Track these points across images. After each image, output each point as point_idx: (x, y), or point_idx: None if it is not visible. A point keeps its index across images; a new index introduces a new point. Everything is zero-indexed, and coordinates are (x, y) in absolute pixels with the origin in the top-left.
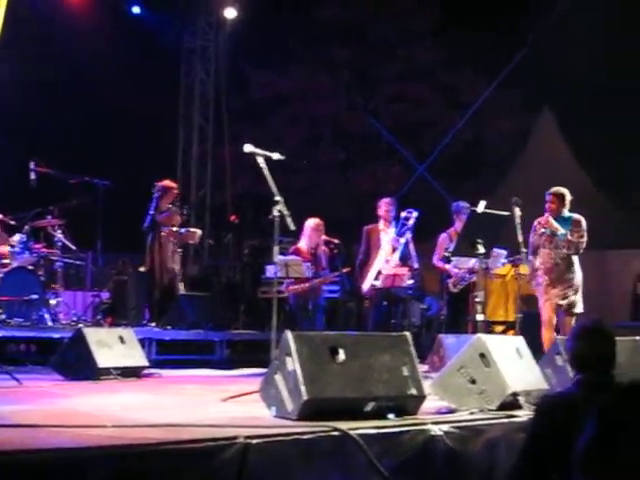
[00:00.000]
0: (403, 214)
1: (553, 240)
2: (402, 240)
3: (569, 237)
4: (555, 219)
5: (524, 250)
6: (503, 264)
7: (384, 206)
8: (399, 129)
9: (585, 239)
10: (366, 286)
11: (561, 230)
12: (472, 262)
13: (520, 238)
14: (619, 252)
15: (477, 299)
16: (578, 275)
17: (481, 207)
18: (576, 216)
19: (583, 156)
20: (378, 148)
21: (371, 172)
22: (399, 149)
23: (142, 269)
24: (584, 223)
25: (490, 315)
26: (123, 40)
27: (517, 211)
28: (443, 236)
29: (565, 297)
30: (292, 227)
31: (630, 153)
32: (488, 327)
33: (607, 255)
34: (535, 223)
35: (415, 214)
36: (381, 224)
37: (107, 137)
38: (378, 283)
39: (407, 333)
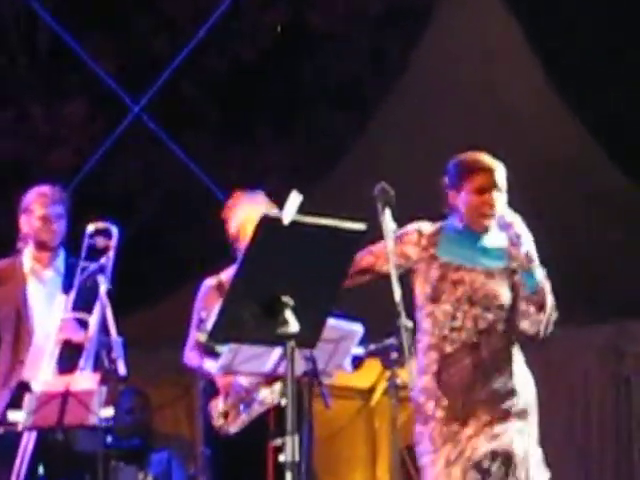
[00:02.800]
0: (92, 229)
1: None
2: (92, 320)
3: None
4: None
5: (407, 324)
6: (358, 362)
7: (37, 211)
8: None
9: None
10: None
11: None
12: (273, 357)
13: (397, 291)
14: None
15: (282, 457)
16: (523, 380)
17: (291, 210)
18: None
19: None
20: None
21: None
22: (85, 61)
23: None
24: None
25: None
26: None
27: (388, 217)
28: (208, 285)
29: (495, 436)
30: None
31: None
32: None
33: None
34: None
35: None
36: (27, 257)
37: None
38: (20, 418)
39: None
